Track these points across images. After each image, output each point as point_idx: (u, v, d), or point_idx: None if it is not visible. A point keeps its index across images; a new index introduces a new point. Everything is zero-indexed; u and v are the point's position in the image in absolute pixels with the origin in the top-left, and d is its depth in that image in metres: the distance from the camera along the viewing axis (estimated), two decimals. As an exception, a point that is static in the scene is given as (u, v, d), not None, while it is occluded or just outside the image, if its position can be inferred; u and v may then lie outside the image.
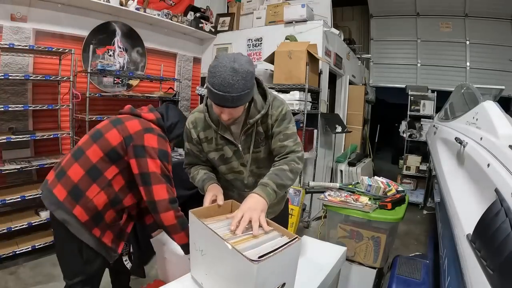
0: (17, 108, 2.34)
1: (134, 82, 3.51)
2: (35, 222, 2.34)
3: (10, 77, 2.20)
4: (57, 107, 2.68)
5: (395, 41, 6.06)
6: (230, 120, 1.08)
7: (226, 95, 0.96)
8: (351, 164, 4.17)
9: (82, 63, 2.95)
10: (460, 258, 0.91)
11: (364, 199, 1.84)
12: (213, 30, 4.07)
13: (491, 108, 1.46)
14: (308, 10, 3.42)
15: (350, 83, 4.82)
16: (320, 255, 1.31)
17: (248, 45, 3.87)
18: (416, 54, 5.90)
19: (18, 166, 2.28)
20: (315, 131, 3.45)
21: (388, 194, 1.91)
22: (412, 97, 4.72)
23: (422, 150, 4.71)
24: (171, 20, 3.51)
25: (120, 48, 3.29)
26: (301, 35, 3.37)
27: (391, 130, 6.59)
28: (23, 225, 2.28)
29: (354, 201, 1.81)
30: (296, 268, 0.91)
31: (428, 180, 4.37)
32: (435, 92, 4.69)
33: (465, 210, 1.08)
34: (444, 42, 5.61)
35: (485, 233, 0.78)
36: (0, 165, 2.26)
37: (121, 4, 2.97)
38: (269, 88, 1.20)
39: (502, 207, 0.75)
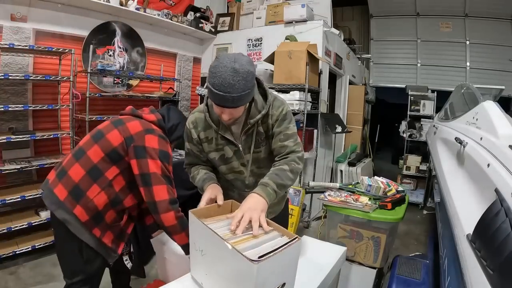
0: (17, 108, 2.34)
1: (134, 82, 3.51)
2: (35, 222, 2.34)
3: (10, 77, 2.20)
4: (57, 107, 2.68)
5: (395, 41, 6.06)
6: (230, 120, 1.08)
7: (226, 95, 0.96)
8: (351, 164, 4.17)
9: (82, 63, 2.95)
10: (460, 258, 0.91)
11: (364, 199, 1.84)
12: (213, 30, 4.07)
13: (491, 108, 1.46)
14: (308, 10, 3.42)
15: (350, 83, 4.82)
16: (320, 255, 1.31)
17: (248, 45, 3.87)
18: (416, 54, 5.90)
19: (18, 166, 2.28)
20: (315, 131, 3.45)
21: (388, 194, 1.91)
22: (412, 97, 4.72)
23: (422, 150, 4.71)
24: (171, 20, 3.51)
25: (120, 48, 3.29)
26: (301, 35, 3.37)
27: (391, 130, 6.59)
28: (23, 225, 2.28)
29: (354, 201, 1.81)
30: (296, 268, 0.91)
31: (428, 180, 4.37)
32: (435, 92, 4.69)
33: (465, 210, 1.08)
34: (444, 42, 5.61)
35: (485, 233, 0.78)
36: (0, 165, 2.26)
37: (121, 4, 2.97)
38: (269, 88, 1.20)
39: (502, 207, 0.75)
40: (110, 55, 3.21)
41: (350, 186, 2.13)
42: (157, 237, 1.53)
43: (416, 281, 1.56)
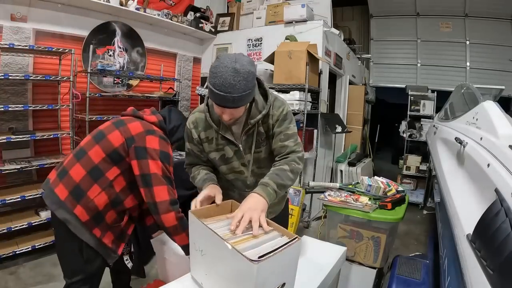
0: (17, 108, 2.34)
1: (134, 82, 3.51)
2: (35, 222, 2.34)
3: (10, 77, 2.20)
4: (57, 107, 2.68)
5: (395, 41, 6.06)
6: (231, 120, 1.08)
7: (227, 95, 0.96)
8: (351, 164, 4.17)
9: (82, 63, 2.95)
10: (460, 258, 0.91)
11: (364, 199, 1.84)
12: (213, 30, 4.07)
13: (491, 108, 1.46)
14: (308, 10, 3.42)
15: (350, 83, 4.82)
16: (320, 255, 1.31)
17: (248, 45, 3.87)
18: (416, 54, 5.90)
19: (18, 166, 2.28)
20: (315, 131, 3.45)
21: (388, 194, 1.91)
22: (412, 97, 4.72)
23: (422, 150, 4.71)
24: (171, 20, 3.51)
25: (120, 48, 3.29)
26: (301, 35, 3.37)
27: (391, 130, 6.59)
28: (23, 225, 2.28)
29: (354, 201, 1.81)
30: (296, 268, 0.91)
31: (428, 180, 4.37)
32: (435, 92, 4.69)
33: (465, 210, 1.08)
34: (444, 42, 5.61)
35: (485, 233, 0.78)
36: (0, 165, 2.26)
37: (121, 4, 2.97)
38: (269, 88, 1.20)
39: (502, 207, 0.75)
40: (110, 55, 3.21)
41: (350, 186, 2.13)
42: (157, 237, 1.53)
43: (416, 281, 1.56)
